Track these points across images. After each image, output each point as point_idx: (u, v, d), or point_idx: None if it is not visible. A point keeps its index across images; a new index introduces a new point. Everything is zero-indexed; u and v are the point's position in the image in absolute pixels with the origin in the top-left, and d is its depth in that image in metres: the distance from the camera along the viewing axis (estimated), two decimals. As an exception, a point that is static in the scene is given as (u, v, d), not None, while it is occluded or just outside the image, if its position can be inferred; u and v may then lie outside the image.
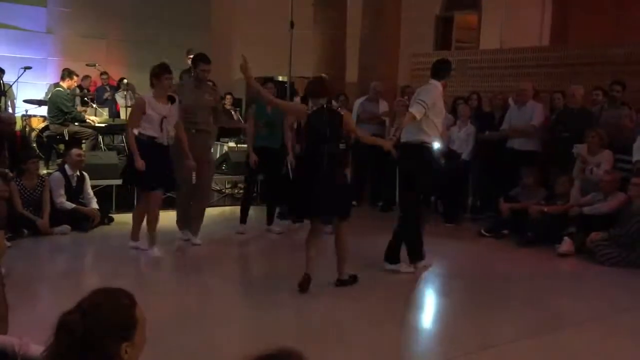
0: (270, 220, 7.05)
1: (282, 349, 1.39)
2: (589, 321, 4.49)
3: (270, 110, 6.57)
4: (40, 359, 1.69)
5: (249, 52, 11.71)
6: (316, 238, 4.90)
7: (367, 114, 8.55)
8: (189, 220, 6.32)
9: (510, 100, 8.18)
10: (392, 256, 5.52)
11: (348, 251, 4.99)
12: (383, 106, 8.64)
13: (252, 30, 12.71)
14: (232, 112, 10.91)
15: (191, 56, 9.25)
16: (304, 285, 4.74)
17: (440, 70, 5.48)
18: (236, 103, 11.43)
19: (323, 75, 7.17)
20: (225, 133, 10.11)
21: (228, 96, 11.13)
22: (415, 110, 5.26)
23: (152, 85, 5.62)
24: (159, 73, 5.54)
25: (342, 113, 5.06)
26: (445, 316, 4.67)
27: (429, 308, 4.95)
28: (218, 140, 9.40)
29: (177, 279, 5.33)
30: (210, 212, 7.85)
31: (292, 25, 8.75)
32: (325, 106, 4.82)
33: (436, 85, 5.43)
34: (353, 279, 5.06)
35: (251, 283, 5.37)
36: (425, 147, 5.35)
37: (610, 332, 4.25)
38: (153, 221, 5.68)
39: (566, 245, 6.29)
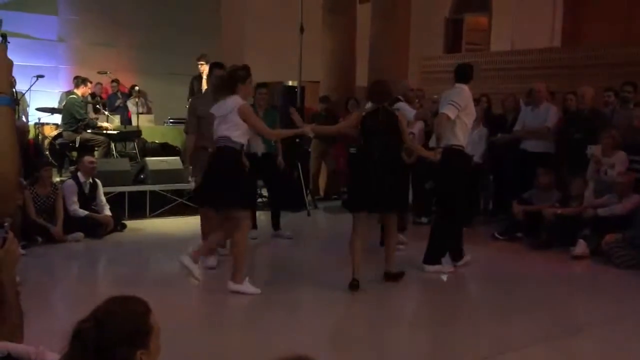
0: (276, 225, 7.04)
1: (297, 355, 1.37)
2: (605, 325, 4.44)
3: (263, 115, 6.34)
4: (56, 367, 1.68)
5: (260, 57, 11.85)
6: (360, 241, 4.97)
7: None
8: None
9: (522, 102, 8.13)
10: (430, 257, 5.55)
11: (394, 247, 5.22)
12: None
13: (263, 35, 12.75)
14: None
15: (201, 62, 9.34)
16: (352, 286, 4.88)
17: (466, 74, 5.60)
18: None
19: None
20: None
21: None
22: (449, 110, 5.33)
23: (233, 91, 4.77)
24: (246, 76, 4.83)
25: (397, 115, 5.15)
26: (460, 320, 4.63)
27: (443, 311, 4.90)
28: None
29: (193, 286, 5.34)
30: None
31: (302, 30, 8.77)
32: (381, 108, 4.99)
33: (464, 88, 5.52)
34: (401, 274, 5.22)
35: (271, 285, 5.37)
36: (455, 150, 5.41)
37: (627, 336, 4.20)
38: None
39: (581, 247, 6.23)
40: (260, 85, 6.87)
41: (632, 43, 9.74)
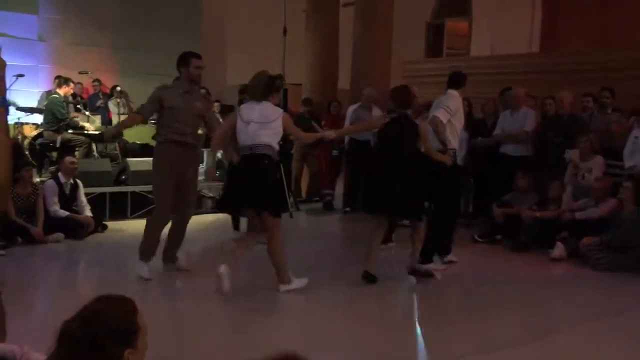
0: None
1: (286, 352, 1.40)
2: (582, 325, 4.53)
3: None
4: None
5: (241, 58, 11.81)
6: (377, 240, 5.29)
7: (360, 120, 8.57)
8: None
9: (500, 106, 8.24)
10: (426, 256, 5.65)
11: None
12: (376, 112, 8.66)
13: (244, 36, 12.75)
14: (220, 121, 10.86)
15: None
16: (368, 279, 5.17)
17: (460, 81, 5.88)
18: (225, 110, 11.39)
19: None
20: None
21: (216, 103, 11.11)
22: (441, 114, 5.53)
23: (266, 97, 4.79)
24: (281, 86, 5.00)
25: (418, 123, 5.30)
26: (439, 321, 4.67)
27: (422, 313, 4.96)
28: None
29: (174, 285, 5.33)
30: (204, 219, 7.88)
31: (285, 31, 8.78)
32: (403, 114, 5.20)
33: (455, 94, 5.80)
34: (429, 274, 5.44)
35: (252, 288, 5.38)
36: (451, 152, 5.64)
37: (604, 336, 4.28)
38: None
39: (559, 250, 6.33)
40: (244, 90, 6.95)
41: (609, 48, 9.91)
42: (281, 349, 1.42)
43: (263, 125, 4.69)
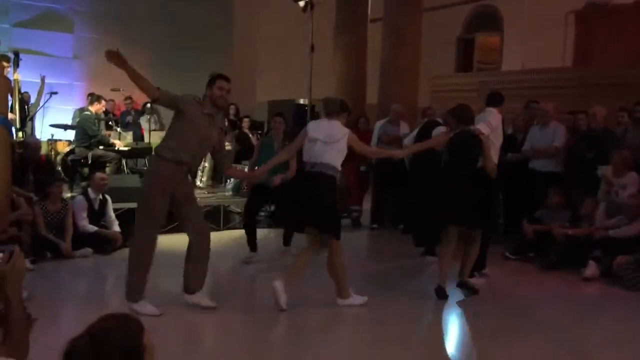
0: (287, 241, 6.95)
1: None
2: (615, 347, 4.39)
3: (277, 149, 6.33)
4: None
5: (271, 76, 11.89)
6: (450, 253, 5.37)
7: (387, 136, 8.54)
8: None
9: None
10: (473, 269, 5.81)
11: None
12: (404, 128, 8.62)
13: (274, 54, 12.87)
14: (250, 136, 10.95)
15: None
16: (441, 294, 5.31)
17: (499, 99, 6.20)
18: (255, 126, 11.47)
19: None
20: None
21: (246, 119, 11.20)
22: (483, 128, 5.70)
23: (338, 115, 4.97)
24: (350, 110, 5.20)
25: (482, 138, 5.49)
26: (468, 341, 4.58)
27: (451, 332, 4.85)
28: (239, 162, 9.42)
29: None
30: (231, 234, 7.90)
31: (312, 48, 8.82)
32: (467, 130, 5.41)
33: (495, 112, 6.04)
34: (475, 291, 5.50)
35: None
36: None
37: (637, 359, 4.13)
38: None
39: (591, 269, 6.16)
40: (276, 114, 6.99)
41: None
42: None
43: (328, 144, 4.78)
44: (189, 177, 5.02)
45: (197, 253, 4.76)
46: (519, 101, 9.18)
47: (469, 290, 5.54)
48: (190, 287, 4.79)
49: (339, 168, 4.89)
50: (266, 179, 6.00)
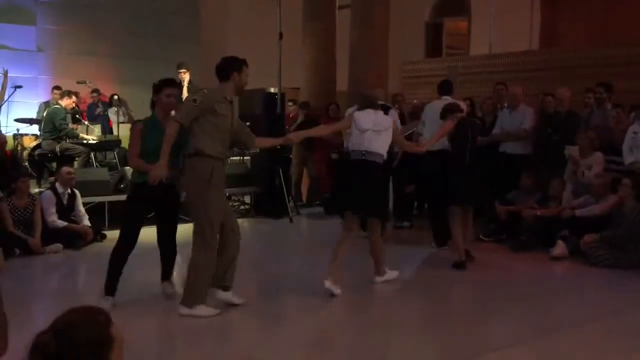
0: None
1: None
2: (585, 323, 4.48)
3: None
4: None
5: (240, 64, 11.72)
6: (460, 230, 5.92)
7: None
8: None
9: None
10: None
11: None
12: (393, 115, 8.64)
13: (242, 42, 12.70)
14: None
15: (182, 70, 9.29)
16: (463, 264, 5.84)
17: (451, 86, 6.94)
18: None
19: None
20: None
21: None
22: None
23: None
24: None
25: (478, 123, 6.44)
26: (443, 321, 4.65)
27: (422, 313, 4.92)
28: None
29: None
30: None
31: (280, 36, 8.78)
32: (467, 119, 6.15)
33: (450, 100, 6.55)
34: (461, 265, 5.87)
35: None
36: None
37: (606, 333, 4.24)
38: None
39: (559, 248, 6.28)
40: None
41: (608, 44, 9.86)
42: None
43: (377, 133, 5.09)
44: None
45: (233, 250, 4.57)
46: (488, 85, 9.29)
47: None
48: (225, 283, 4.60)
49: (385, 157, 5.20)
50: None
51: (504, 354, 3.86)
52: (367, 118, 5.11)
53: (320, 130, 6.45)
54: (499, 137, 7.64)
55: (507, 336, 4.23)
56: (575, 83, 8.24)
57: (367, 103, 5.29)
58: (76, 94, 10.76)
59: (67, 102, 8.51)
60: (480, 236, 7.14)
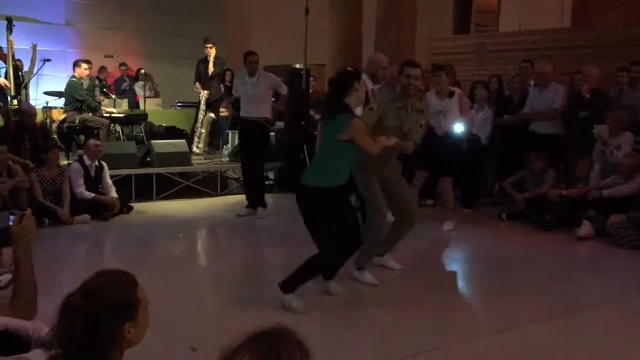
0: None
1: (275, 326, 1.39)
2: (608, 303, 4.45)
3: None
4: (48, 340, 1.72)
5: (265, 39, 11.80)
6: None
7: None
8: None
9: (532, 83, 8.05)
10: None
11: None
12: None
13: (268, 18, 12.69)
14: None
15: (209, 45, 9.31)
16: None
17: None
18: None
19: None
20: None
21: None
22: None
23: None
24: None
25: None
26: (464, 299, 4.66)
27: (447, 291, 4.90)
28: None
29: (199, 267, 5.39)
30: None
31: (307, 11, 8.71)
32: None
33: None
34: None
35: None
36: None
37: (629, 314, 4.21)
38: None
39: (585, 228, 6.20)
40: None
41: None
42: (271, 323, 1.41)
43: (443, 113, 6.26)
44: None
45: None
46: (517, 63, 9.13)
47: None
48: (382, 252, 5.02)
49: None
50: None
51: (523, 332, 3.85)
52: (436, 101, 6.22)
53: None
54: (528, 115, 7.49)
55: (527, 314, 4.19)
56: (606, 61, 8.05)
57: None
58: (104, 68, 10.87)
59: (79, 72, 8.46)
60: (503, 216, 7.08)
